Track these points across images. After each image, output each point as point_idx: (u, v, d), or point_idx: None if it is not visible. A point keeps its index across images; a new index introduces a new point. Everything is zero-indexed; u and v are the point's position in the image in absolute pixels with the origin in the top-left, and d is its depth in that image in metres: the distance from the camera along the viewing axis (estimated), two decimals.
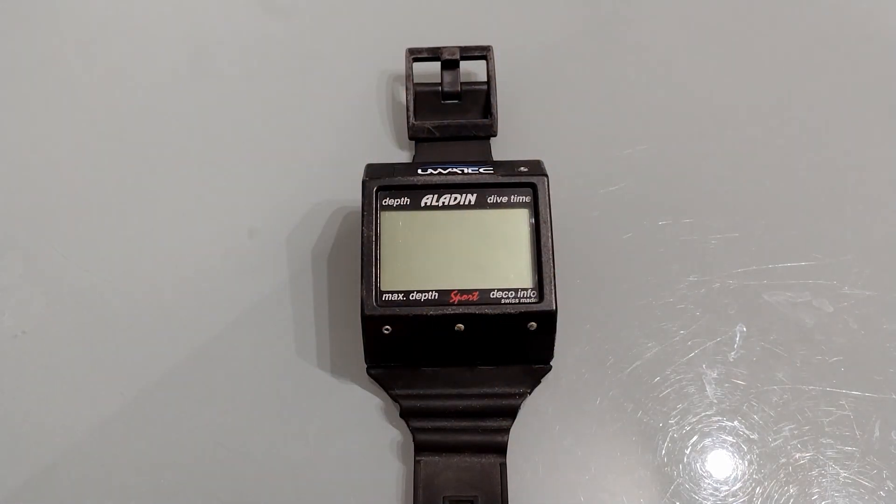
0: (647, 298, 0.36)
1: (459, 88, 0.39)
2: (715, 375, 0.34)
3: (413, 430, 0.33)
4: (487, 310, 0.32)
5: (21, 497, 0.33)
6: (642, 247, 0.37)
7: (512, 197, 0.33)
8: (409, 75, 0.39)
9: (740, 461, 0.33)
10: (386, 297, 0.32)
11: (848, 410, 0.34)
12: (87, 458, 0.33)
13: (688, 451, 0.33)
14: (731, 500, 0.32)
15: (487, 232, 0.33)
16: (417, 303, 0.32)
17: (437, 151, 0.38)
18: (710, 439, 0.33)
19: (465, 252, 0.32)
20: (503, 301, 0.32)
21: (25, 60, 0.42)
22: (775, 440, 0.33)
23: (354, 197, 0.34)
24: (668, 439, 0.33)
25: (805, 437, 0.33)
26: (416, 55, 0.39)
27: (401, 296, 0.32)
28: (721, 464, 0.33)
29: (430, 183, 0.33)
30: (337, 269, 0.37)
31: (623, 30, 0.42)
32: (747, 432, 0.33)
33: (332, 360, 0.35)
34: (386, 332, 0.32)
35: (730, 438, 0.33)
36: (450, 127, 0.38)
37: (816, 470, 0.33)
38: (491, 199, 0.33)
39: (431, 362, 0.33)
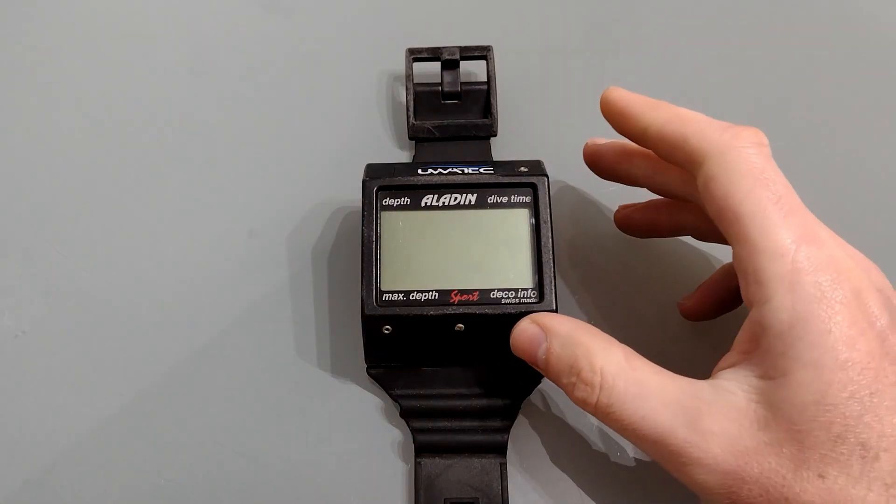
0: (648, 298, 0.36)
1: (459, 88, 0.39)
2: None
3: (413, 431, 0.33)
4: (488, 310, 0.32)
5: (21, 497, 0.33)
6: (642, 247, 0.37)
7: (512, 197, 0.33)
8: (409, 75, 0.39)
9: None
10: (386, 296, 0.32)
11: None
12: (87, 458, 0.34)
13: None
14: None
15: (487, 232, 0.33)
16: (418, 303, 0.32)
17: (436, 151, 0.38)
18: None
19: (465, 252, 0.32)
20: (503, 301, 0.32)
21: (25, 60, 0.42)
22: None
23: (354, 197, 0.34)
24: None
25: None
26: (416, 55, 0.39)
27: (401, 295, 0.32)
28: None
29: (430, 183, 0.33)
30: (337, 269, 0.37)
31: (623, 30, 0.42)
32: None
33: (332, 360, 0.35)
34: (386, 331, 0.32)
35: None
36: (450, 127, 0.38)
37: None
38: (491, 199, 0.33)
39: (431, 362, 0.33)
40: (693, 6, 0.43)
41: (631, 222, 0.36)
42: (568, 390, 0.29)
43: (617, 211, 0.36)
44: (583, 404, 0.28)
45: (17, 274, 0.37)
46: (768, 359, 0.26)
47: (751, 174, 0.27)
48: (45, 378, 0.35)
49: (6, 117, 0.40)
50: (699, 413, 0.26)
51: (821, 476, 0.25)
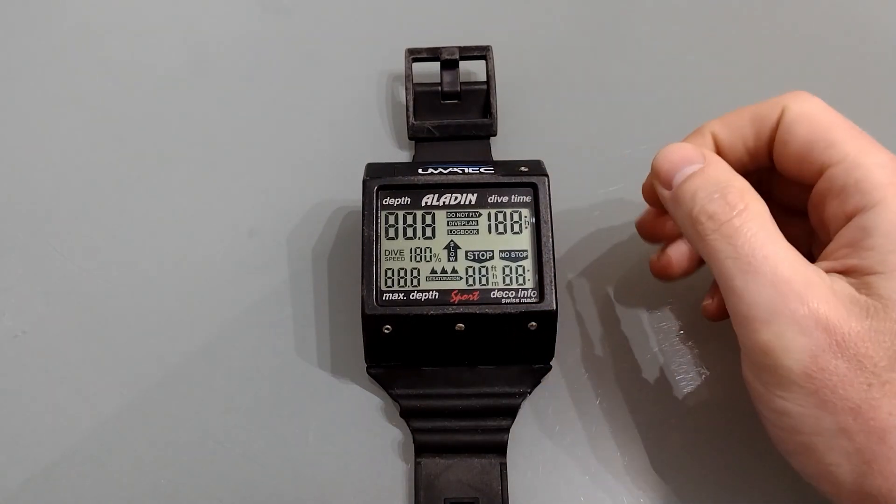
0: (648, 298, 0.36)
1: (459, 88, 0.39)
2: (715, 375, 0.34)
3: (413, 431, 0.33)
4: (488, 310, 0.32)
5: (21, 497, 0.33)
6: (642, 247, 0.37)
7: (512, 197, 0.33)
8: (408, 75, 0.39)
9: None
10: (387, 296, 0.32)
11: None
12: (87, 458, 0.33)
13: (688, 451, 0.33)
14: (731, 498, 0.32)
15: (488, 232, 0.33)
16: (418, 302, 0.32)
17: (436, 151, 0.38)
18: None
19: (465, 252, 0.32)
20: (503, 301, 0.32)
21: (25, 60, 0.42)
22: None
23: (354, 197, 0.34)
24: (667, 439, 0.33)
25: None
26: (415, 55, 0.39)
27: (401, 295, 0.32)
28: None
29: (430, 182, 0.33)
30: (337, 269, 0.37)
31: (623, 29, 0.43)
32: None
33: (332, 359, 0.35)
34: (386, 331, 0.32)
35: (729, 437, 0.33)
36: (449, 126, 0.38)
37: None
38: (491, 199, 0.33)
39: (431, 362, 0.33)
40: (693, 6, 0.43)
41: (649, 234, 0.35)
42: (699, 203, 0.28)
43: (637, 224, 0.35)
44: (707, 217, 0.28)
45: (17, 274, 0.37)
46: (875, 255, 0.26)
47: (826, 112, 0.29)
48: (45, 378, 0.35)
49: (6, 117, 0.40)
50: (816, 286, 0.26)
51: None
